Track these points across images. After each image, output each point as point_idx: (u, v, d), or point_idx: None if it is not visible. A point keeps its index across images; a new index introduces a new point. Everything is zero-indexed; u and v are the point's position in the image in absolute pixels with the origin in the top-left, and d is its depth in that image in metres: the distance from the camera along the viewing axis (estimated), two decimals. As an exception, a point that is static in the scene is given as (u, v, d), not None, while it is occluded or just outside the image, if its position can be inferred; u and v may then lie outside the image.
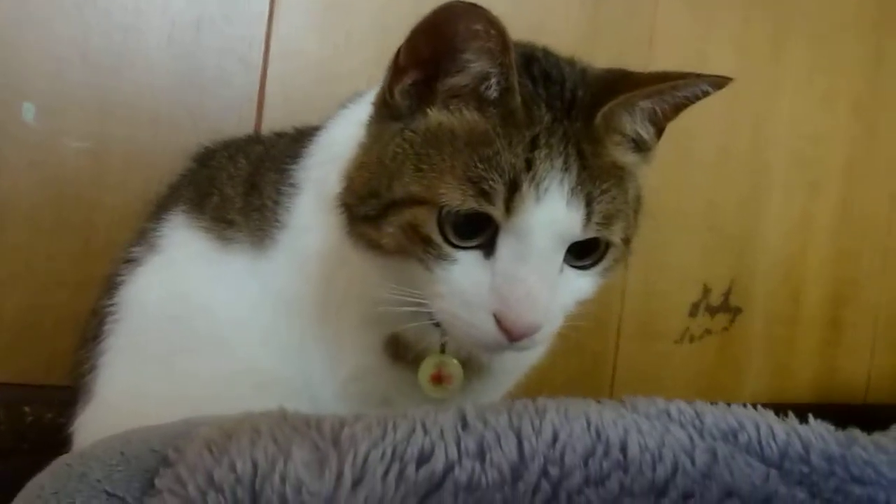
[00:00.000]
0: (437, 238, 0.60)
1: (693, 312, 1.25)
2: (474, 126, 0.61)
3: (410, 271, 0.62)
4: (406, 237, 0.61)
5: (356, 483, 0.49)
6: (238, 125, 0.99)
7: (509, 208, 0.58)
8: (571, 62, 0.68)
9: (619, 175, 0.64)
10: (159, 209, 0.83)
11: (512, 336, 0.60)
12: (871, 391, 1.33)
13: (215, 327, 0.78)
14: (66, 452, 0.58)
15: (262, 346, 0.77)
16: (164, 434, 0.53)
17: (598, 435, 0.57)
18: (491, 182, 0.58)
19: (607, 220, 0.62)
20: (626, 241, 0.66)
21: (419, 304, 0.62)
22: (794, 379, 1.30)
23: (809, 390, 1.30)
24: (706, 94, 0.64)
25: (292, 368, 0.77)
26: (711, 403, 0.65)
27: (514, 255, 0.59)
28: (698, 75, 0.63)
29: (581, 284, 0.65)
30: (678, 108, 0.66)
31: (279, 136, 0.88)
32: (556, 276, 0.62)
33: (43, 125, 0.93)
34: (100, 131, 0.95)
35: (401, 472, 0.50)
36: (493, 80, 0.61)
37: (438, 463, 0.51)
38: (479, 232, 0.60)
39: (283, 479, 0.48)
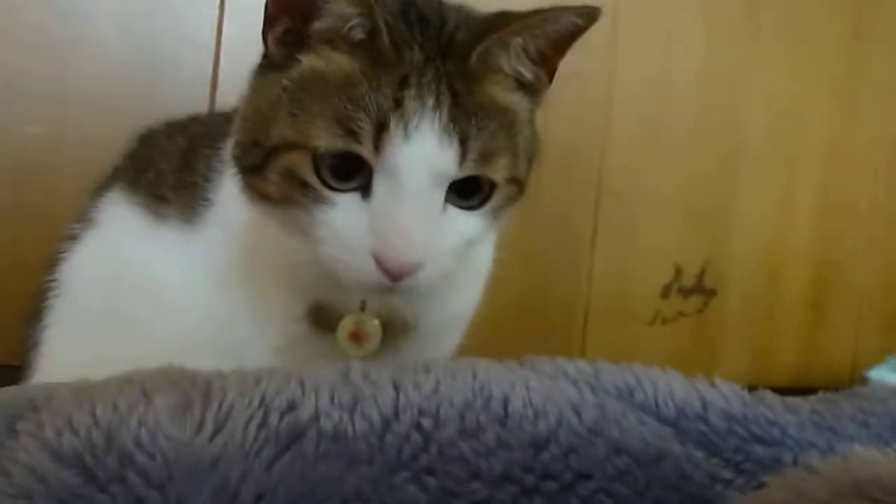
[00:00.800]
0: (314, 181, 0.61)
1: (665, 294, 1.23)
2: (343, 69, 0.62)
3: (298, 219, 0.63)
4: (286, 183, 0.62)
5: (217, 431, 0.49)
6: (192, 108, 1.00)
7: (378, 147, 0.59)
8: (458, 8, 0.68)
9: (500, 114, 0.64)
10: (99, 188, 0.85)
11: (391, 275, 0.61)
12: (857, 375, 1.29)
13: (150, 298, 0.79)
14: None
15: (194, 316, 0.78)
16: (45, 387, 0.54)
17: (482, 389, 0.56)
18: (358, 122, 0.59)
19: (485, 158, 0.62)
20: (515, 182, 0.66)
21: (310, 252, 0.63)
22: (775, 362, 1.27)
23: (791, 374, 1.27)
24: (579, 27, 0.64)
25: (225, 337, 0.78)
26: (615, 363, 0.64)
27: (388, 195, 0.60)
28: (564, 7, 0.64)
29: (468, 225, 0.65)
30: (558, 45, 0.66)
31: (220, 115, 0.89)
32: (436, 215, 0.62)
33: (1, 112, 0.96)
34: (55, 117, 0.98)
35: (263, 421, 0.50)
36: (357, 22, 0.62)
37: (304, 413, 0.51)
38: (355, 174, 0.61)
39: (140, 423, 0.48)
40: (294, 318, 0.76)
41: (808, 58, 1.27)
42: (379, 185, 0.60)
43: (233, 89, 1.04)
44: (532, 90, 0.68)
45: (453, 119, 0.60)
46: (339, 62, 0.62)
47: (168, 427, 0.49)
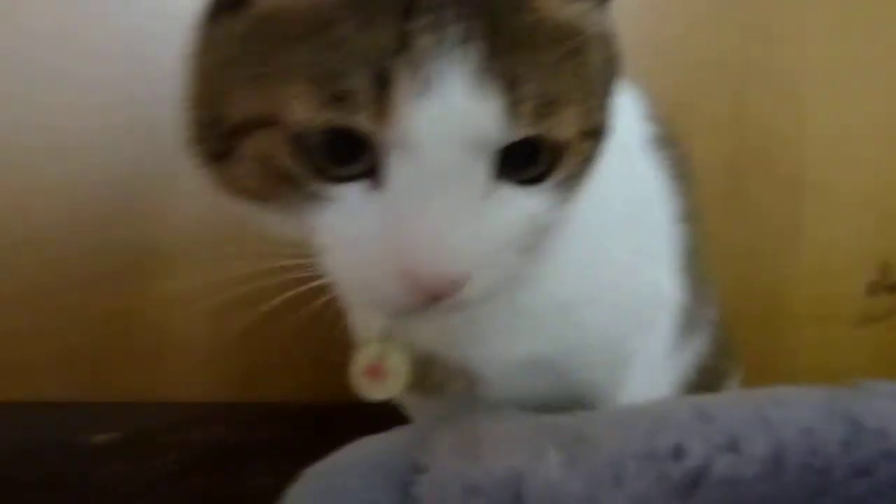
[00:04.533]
0: (297, 170, 0.42)
1: (871, 292, 1.16)
2: None
3: (289, 221, 0.45)
4: (263, 174, 0.44)
5: (616, 483, 0.47)
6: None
7: (382, 112, 0.40)
8: None
9: (564, 36, 0.44)
10: None
11: (422, 296, 0.43)
12: None
13: None
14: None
15: None
16: (407, 440, 0.53)
17: (854, 423, 0.52)
18: (347, 78, 0.39)
19: (546, 108, 0.42)
20: (592, 134, 0.47)
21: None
22: None
23: None
24: None
25: None
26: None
27: (407, 180, 0.42)
28: None
29: (530, 206, 0.45)
30: None
31: None
32: (478, 199, 0.43)
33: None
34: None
35: (659, 473, 0.48)
36: None
37: (692, 459, 0.49)
38: (358, 154, 0.42)
39: (541, 480, 0.47)
40: None
41: None
42: (392, 166, 0.42)
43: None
44: None
45: (493, 54, 0.40)
46: None
47: (564, 483, 0.47)
